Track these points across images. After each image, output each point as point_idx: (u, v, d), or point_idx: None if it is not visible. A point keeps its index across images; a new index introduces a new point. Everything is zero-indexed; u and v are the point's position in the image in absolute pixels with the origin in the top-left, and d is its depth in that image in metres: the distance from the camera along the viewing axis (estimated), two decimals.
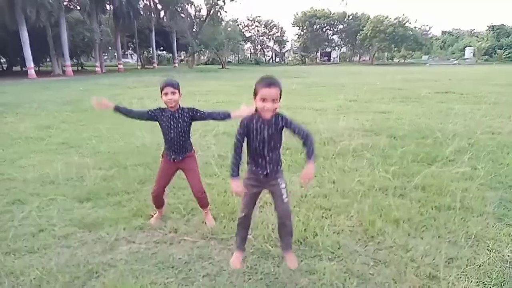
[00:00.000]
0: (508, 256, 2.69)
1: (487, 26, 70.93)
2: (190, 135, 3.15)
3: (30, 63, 29.11)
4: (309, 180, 2.21)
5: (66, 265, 2.65)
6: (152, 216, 3.38)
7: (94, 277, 2.53)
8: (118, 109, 3.11)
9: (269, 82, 2.12)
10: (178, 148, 3.08)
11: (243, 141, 2.27)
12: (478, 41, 67.22)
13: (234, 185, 2.25)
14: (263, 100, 2.09)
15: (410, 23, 61.48)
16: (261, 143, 2.20)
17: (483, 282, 2.42)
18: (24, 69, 32.68)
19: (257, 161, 2.26)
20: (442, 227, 3.12)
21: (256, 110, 2.21)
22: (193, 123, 3.11)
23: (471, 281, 2.42)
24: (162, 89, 2.98)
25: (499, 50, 61.26)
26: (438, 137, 5.90)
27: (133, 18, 39.47)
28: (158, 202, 3.28)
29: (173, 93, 2.98)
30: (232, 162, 2.28)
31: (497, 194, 3.80)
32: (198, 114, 3.07)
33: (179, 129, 3.03)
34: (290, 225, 2.37)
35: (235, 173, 2.25)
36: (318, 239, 2.91)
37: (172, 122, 3.02)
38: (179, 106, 3.06)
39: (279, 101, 2.15)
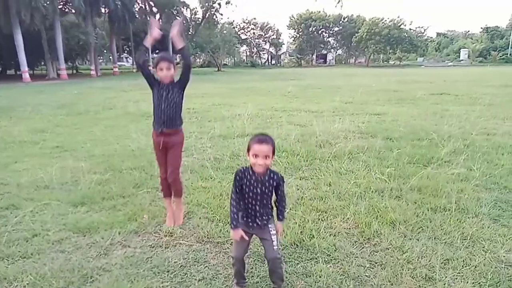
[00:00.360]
0: (504, 256, 2.69)
1: (481, 28, 71.90)
2: (182, 109, 3.12)
3: (24, 67, 28.97)
4: (280, 234, 2.39)
5: (60, 270, 2.62)
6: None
7: (88, 282, 2.51)
8: (144, 53, 3.21)
9: (261, 139, 2.15)
10: (169, 121, 3.06)
11: (239, 194, 2.27)
12: (473, 43, 67.86)
13: (235, 235, 2.26)
14: (255, 156, 2.12)
15: (405, 25, 62.14)
16: (253, 200, 2.22)
17: (479, 283, 2.42)
18: (18, 72, 32.51)
19: (249, 213, 2.27)
20: (438, 228, 3.12)
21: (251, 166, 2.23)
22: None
23: (467, 282, 2.42)
24: (156, 64, 2.95)
25: (493, 52, 61.92)
26: (434, 139, 5.93)
27: (128, 21, 39.42)
28: (167, 186, 3.26)
29: (168, 68, 2.96)
30: (231, 214, 2.26)
31: (492, 195, 3.82)
32: (183, 77, 3.05)
33: (170, 101, 3.03)
34: (281, 272, 2.35)
35: (234, 224, 2.24)
36: (315, 241, 2.90)
37: (164, 93, 3.02)
38: (173, 80, 3.05)
39: (272, 158, 2.16)
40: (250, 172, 2.20)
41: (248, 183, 2.21)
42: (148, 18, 45.80)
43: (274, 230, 2.29)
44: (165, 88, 3.03)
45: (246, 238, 2.26)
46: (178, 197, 3.33)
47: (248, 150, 2.17)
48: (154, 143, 3.21)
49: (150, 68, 3.16)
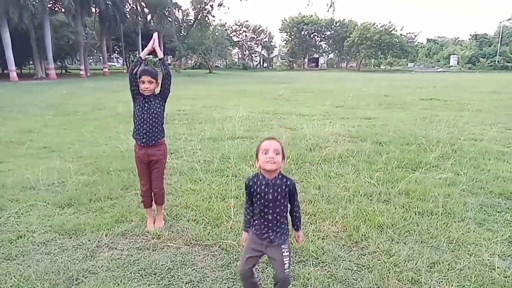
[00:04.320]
0: (488, 260, 2.74)
1: (470, 35, 73.36)
2: (163, 121, 3.14)
3: (12, 66, 28.46)
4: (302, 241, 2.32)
5: (45, 272, 2.58)
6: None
7: (74, 284, 2.47)
8: (141, 59, 3.10)
9: (270, 137, 2.10)
10: (151, 132, 3.06)
11: (251, 202, 2.14)
12: (462, 50, 69.31)
13: (245, 237, 2.19)
14: (265, 152, 1.99)
15: (396, 31, 63.15)
16: (265, 208, 2.05)
17: (463, 286, 2.45)
18: (5, 71, 31.90)
19: (260, 226, 2.10)
20: (424, 232, 3.16)
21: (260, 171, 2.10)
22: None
23: (452, 285, 2.45)
24: (139, 77, 2.97)
25: (482, 59, 63.24)
26: (422, 143, 6.01)
27: (119, 21, 39.12)
28: (148, 197, 3.25)
29: (150, 82, 2.98)
30: (245, 215, 2.19)
31: (478, 200, 3.88)
32: (163, 88, 3.07)
33: (152, 111, 3.04)
34: None
35: (246, 226, 2.17)
36: (303, 244, 2.90)
37: (145, 105, 3.04)
38: (154, 93, 3.08)
39: (282, 160, 2.04)
40: (260, 177, 2.05)
41: (258, 189, 2.04)
42: (140, 19, 45.63)
43: (287, 252, 2.10)
44: (147, 100, 3.05)
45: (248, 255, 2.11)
46: (161, 205, 3.33)
47: (257, 154, 2.05)
48: (136, 155, 3.18)
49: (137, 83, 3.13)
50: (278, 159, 1.99)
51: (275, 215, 2.05)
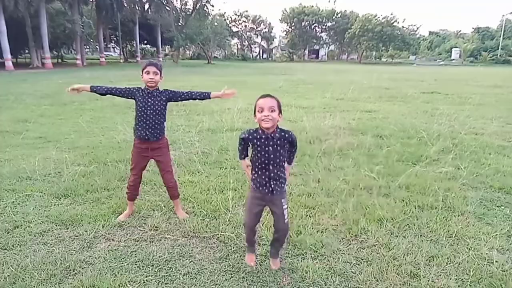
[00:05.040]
0: (486, 254, 2.73)
1: (473, 28, 72.89)
2: (165, 118, 3.13)
3: (7, 55, 28.07)
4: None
5: (42, 262, 2.56)
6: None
7: (71, 275, 2.45)
8: (94, 89, 3.10)
9: (265, 95, 2.17)
10: (153, 129, 3.03)
11: (246, 154, 2.36)
12: (464, 43, 68.89)
13: (243, 165, 2.35)
14: (261, 110, 2.09)
15: (398, 23, 62.39)
16: (266, 160, 2.17)
17: (462, 279, 2.44)
18: (0, 60, 31.61)
19: (261, 179, 2.23)
20: (424, 226, 3.15)
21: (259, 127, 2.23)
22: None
23: (450, 279, 2.44)
24: (144, 69, 2.98)
25: (484, 52, 62.93)
26: (423, 137, 5.99)
27: (116, 10, 38.62)
28: (134, 191, 3.24)
29: (155, 73, 2.98)
30: (238, 148, 2.35)
31: (478, 194, 3.87)
32: (175, 96, 3.09)
33: (156, 107, 3.02)
34: (285, 240, 2.41)
35: (242, 156, 2.34)
36: (302, 237, 2.89)
37: (150, 100, 3.01)
38: (158, 87, 3.06)
39: (279, 115, 2.14)
40: (260, 131, 2.17)
41: (258, 142, 2.16)
42: (137, 8, 45.04)
43: (286, 204, 2.28)
44: (151, 95, 3.02)
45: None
46: (177, 198, 3.34)
47: (254, 111, 2.16)
48: (135, 149, 3.15)
49: (124, 87, 3.14)
50: (274, 116, 2.10)
51: (276, 165, 2.20)
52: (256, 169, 2.25)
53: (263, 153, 2.17)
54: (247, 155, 2.37)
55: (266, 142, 2.15)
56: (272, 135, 2.15)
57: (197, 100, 3.20)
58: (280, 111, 2.15)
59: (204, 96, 3.15)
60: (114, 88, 3.14)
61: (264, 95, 2.16)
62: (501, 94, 13.72)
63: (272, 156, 2.16)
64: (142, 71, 2.99)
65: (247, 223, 2.38)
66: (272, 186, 2.22)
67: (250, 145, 2.23)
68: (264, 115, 2.07)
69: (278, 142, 2.15)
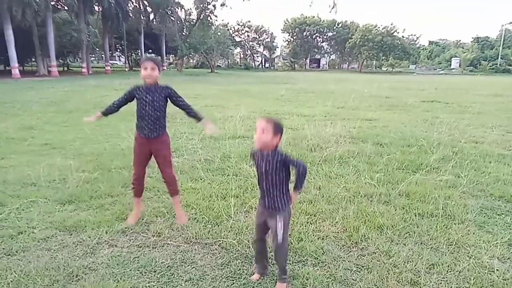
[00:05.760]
0: (487, 262, 2.74)
1: (472, 38, 73.37)
2: (166, 114, 3.17)
3: (14, 63, 28.41)
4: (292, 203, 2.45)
5: (46, 268, 2.58)
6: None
7: (74, 281, 2.47)
8: (105, 112, 3.22)
9: (262, 117, 2.34)
10: (152, 125, 3.08)
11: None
12: (464, 52, 69.17)
13: None
14: (255, 131, 2.26)
15: (398, 33, 62.98)
16: (262, 176, 2.32)
17: None
18: (7, 68, 31.95)
19: (261, 192, 2.39)
20: (424, 234, 3.16)
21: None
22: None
23: (451, 287, 2.46)
24: (141, 64, 3.05)
25: (483, 62, 63.14)
26: (423, 145, 6.01)
27: (121, 19, 39.11)
28: (139, 186, 3.28)
29: (153, 68, 3.02)
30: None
31: (479, 202, 3.88)
32: (174, 97, 3.14)
33: (155, 104, 3.05)
34: (282, 264, 2.39)
35: None
36: (303, 244, 2.92)
37: (148, 96, 3.05)
38: (157, 83, 3.09)
39: (275, 137, 2.24)
40: (259, 151, 2.33)
41: (257, 161, 2.34)
42: (142, 17, 45.63)
43: (281, 222, 2.31)
44: (149, 91, 3.06)
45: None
46: (176, 195, 3.35)
47: None
48: (136, 144, 3.20)
49: (123, 95, 3.21)
50: (263, 139, 2.23)
51: (268, 184, 2.30)
52: (259, 185, 2.39)
53: (258, 171, 2.34)
54: None
55: (260, 162, 2.31)
56: (265, 154, 2.28)
57: (190, 117, 3.28)
58: (276, 134, 2.23)
59: (195, 117, 3.26)
60: (118, 100, 3.20)
61: (262, 117, 2.32)
62: (501, 103, 13.75)
63: (264, 175, 2.29)
64: (141, 66, 3.06)
65: (254, 237, 2.48)
66: (267, 203, 2.34)
67: (254, 160, 2.38)
68: (256, 136, 2.26)
69: (269, 163, 2.26)
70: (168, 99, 3.15)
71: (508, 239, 3.10)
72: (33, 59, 38.03)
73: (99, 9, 38.55)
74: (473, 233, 3.19)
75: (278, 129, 2.26)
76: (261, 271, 2.53)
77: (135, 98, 3.11)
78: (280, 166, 2.27)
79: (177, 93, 3.18)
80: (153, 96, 3.05)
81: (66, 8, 34.11)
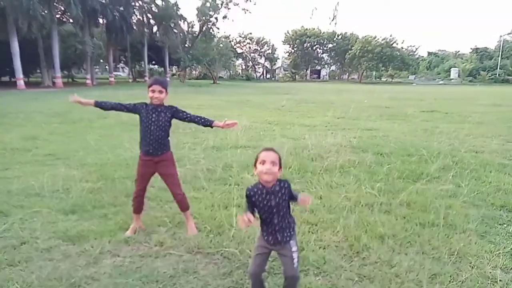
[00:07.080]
0: (490, 272, 2.73)
1: (471, 48, 73.69)
2: (170, 133, 3.20)
3: (19, 74, 28.82)
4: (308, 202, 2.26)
5: (48, 279, 2.59)
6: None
7: None
8: (99, 104, 3.17)
9: (268, 148, 2.19)
10: (157, 144, 3.11)
11: (252, 209, 2.21)
12: (463, 63, 69.51)
13: (244, 215, 2.10)
14: (263, 163, 2.09)
15: (397, 44, 63.66)
16: (270, 214, 2.17)
17: None
18: (13, 79, 32.31)
19: (267, 230, 2.22)
20: (426, 243, 3.16)
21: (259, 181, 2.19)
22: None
23: None
24: (149, 86, 3.06)
25: (482, 72, 63.39)
26: (423, 155, 6.02)
27: (125, 32, 39.70)
28: (139, 203, 3.30)
29: (160, 91, 3.06)
30: (247, 206, 2.22)
31: (480, 212, 3.88)
32: (180, 113, 3.17)
33: (160, 123, 3.08)
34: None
35: (249, 210, 2.17)
36: (304, 253, 2.92)
37: (153, 115, 3.08)
38: (163, 103, 3.14)
39: (279, 169, 2.14)
40: (260, 186, 2.16)
41: (260, 198, 2.15)
42: (146, 30, 46.27)
43: (295, 247, 2.22)
44: (155, 111, 3.09)
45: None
46: (187, 210, 3.37)
47: (255, 162, 2.15)
48: (140, 163, 3.21)
49: (128, 103, 3.24)
50: (275, 170, 2.10)
51: (280, 218, 2.17)
52: (262, 222, 2.23)
53: (266, 208, 2.16)
54: (254, 211, 2.21)
55: (267, 197, 2.14)
56: (272, 188, 2.14)
57: (203, 125, 3.25)
58: (280, 166, 2.15)
59: (207, 124, 3.21)
60: (119, 104, 3.21)
61: (267, 148, 2.18)
62: (500, 113, 13.77)
63: (275, 210, 2.15)
64: (148, 88, 3.07)
65: (251, 269, 2.28)
66: (279, 237, 2.19)
67: (254, 200, 2.18)
68: (267, 168, 2.08)
69: (279, 194, 2.14)
70: (175, 118, 3.18)
71: (511, 249, 3.09)
72: (38, 71, 38.50)
73: (103, 21, 39.13)
74: (475, 243, 3.18)
75: (281, 160, 2.18)
76: None
77: (138, 115, 3.14)
78: (289, 192, 2.16)
79: (181, 109, 3.21)
80: (159, 116, 3.09)
81: (71, 20, 34.66)
